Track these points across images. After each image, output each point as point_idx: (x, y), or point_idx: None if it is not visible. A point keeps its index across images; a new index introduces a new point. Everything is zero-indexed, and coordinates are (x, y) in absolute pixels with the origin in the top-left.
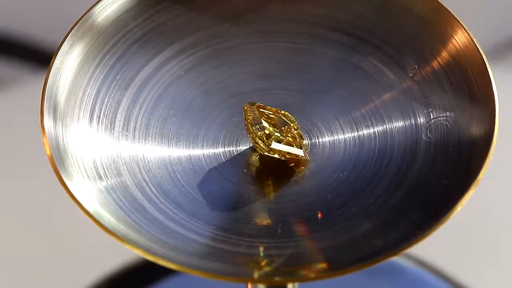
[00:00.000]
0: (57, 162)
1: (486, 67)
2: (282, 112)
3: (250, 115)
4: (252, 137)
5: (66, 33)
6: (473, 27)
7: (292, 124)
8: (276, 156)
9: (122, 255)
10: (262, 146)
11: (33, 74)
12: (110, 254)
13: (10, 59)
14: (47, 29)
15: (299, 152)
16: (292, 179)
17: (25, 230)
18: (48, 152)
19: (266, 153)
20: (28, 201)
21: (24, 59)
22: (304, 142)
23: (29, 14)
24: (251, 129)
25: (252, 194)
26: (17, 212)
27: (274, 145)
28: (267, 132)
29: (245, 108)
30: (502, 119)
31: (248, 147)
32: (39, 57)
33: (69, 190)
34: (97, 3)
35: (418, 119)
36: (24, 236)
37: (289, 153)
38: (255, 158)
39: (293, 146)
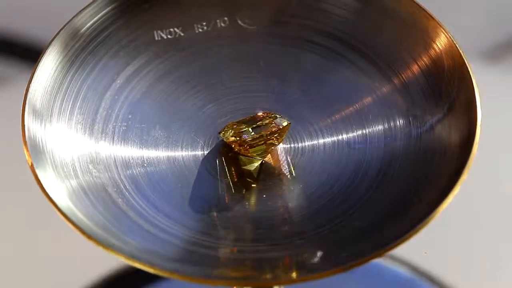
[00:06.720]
0: (35, 164)
1: (468, 70)
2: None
3: (228, 137)
4: (244, 148)
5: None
6: (473, 27)
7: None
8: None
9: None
10: (258, 154)
11: None
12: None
13: (10, 59)
14: (46, 28)
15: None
16: (272, 184)
17: (21, 230)
18: (27, 155)
19: (265, 154)
20: (29, 200)
21: (24, 59)
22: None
23: (29, 14)
24: (240, 142)
25: (232, 198)
26: (18, 211)
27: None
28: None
29: (221, 135)
30: (503, 119)
31: (229, 150)
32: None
33: (47, 193)
34: (80, 12)
35: (398, 123)
36: (15, 237)
37: (274, 131)
38: (236, 162)
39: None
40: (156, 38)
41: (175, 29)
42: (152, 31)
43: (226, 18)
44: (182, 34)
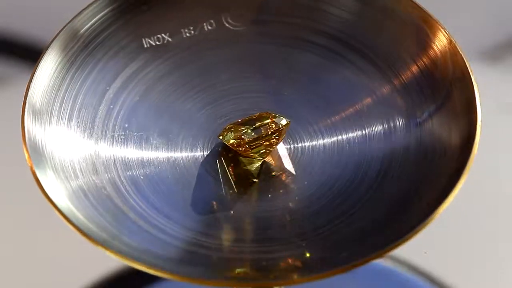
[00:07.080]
0: (35, 165)
1: (468, 70)
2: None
3: (228, 139)
4: (244, 149)
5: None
6: (473, 27)
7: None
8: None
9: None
10: (258, 154)
11: None
12: (96, 259)
13: (10, 59)
14: (46, 28)
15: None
16: (272, 184)
17: (21, 230)
18: (27, 156)
19: (265, 156)
20: (29, 201)
21: (24, 59)
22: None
23: (29, 14)
24: (240, 144)
25: (232, 199)
26: (18, 211)
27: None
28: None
29: (221, 138)
30: (503, 119)
31: (228, 151)
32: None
33: (47, 195)
34: (80, 12)
35: (398, 123)
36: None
37: (274, 131)
38: (236, 162)
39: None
40: (156, 38)
41: (175, 30)
42: (152, 31)
43: (214, 21)
44: (182, 35)
